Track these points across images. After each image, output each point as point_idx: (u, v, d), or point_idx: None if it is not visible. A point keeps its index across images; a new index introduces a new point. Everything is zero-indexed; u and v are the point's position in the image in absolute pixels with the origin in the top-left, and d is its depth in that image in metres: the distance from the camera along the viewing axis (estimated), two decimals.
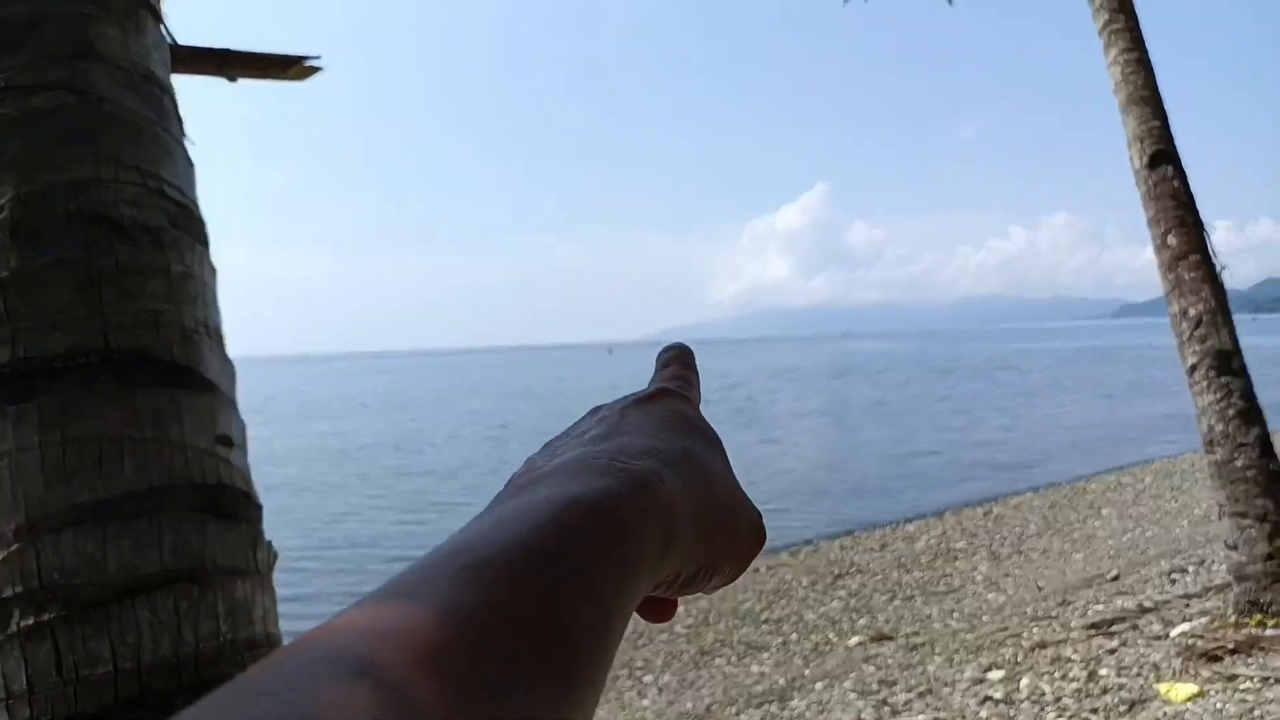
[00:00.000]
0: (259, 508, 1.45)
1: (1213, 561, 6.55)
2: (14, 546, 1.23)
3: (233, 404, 1.49)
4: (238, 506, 1.38)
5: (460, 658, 0.24)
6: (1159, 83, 5.20)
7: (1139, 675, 4.17)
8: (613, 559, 0.32)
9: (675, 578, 0.40)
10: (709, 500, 0.40)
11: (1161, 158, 5.05)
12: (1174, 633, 4.68)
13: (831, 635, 7.34)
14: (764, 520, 0.45)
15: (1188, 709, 3.71)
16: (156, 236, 1.47)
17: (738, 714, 5.19)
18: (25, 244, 1.39)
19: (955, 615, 7.34)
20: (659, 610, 0.44)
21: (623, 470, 0.36)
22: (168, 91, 1.71)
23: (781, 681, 5.90)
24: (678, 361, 0.52)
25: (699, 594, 0.43)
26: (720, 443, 0.45)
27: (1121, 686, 4.07)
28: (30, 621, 1.19)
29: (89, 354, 1.33)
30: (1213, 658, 4.15)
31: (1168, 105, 5.17)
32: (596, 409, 0.46)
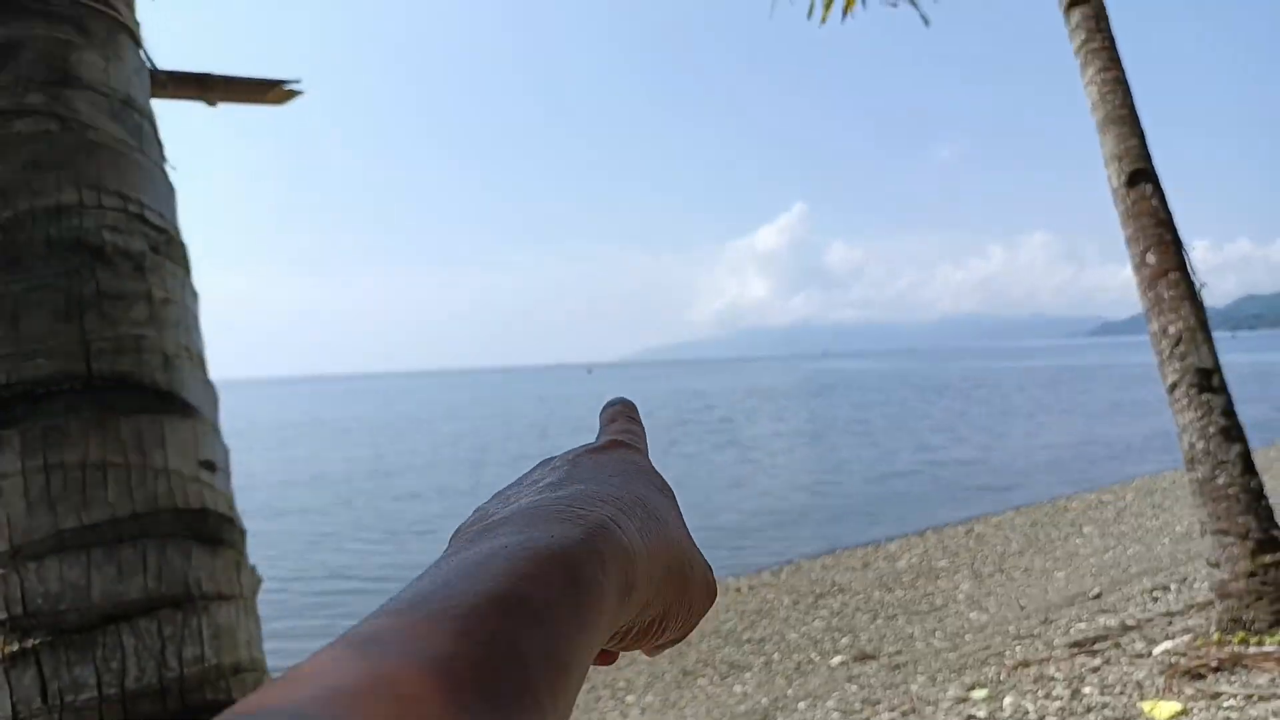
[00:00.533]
0: (242, 532, 1.44)
1: (1195, 579, 6.60)
2: None
3: (215, 428, 1.48)
4: (221, 531, 1.37)
5: (420, 712, 0.24)
6: (1136, 101, 5.29)
7: (1122, 693, 4.19)
8: (571, 608, 0.31)
9: (629, 629, 0.39)
10: (665, 550, 0.39)
11: (1140, 176, 5.13)
12: (1157, 650, 4.70)
13: (814, 655, 7.33)
14: (714, 574, 0.44)
15: None
16: (138, 262, 1.47)
17: None
18: (6, 270, 1.38)
19: (938, 634, 7.35)
20: (600, 660, 0.42)
21: (581, 517, 0.35)
22: (148, 116, 1.71)
23: (764, 701, 5.88)
24: (623, 415, 0.52)
25: (644, 649, 0.42)
26: (673, 494, 0.45)
27: (1105, 705, 4.08)
28: (15, 648, 1.18)
29: (71, 380, 1.33)
30: (1196, 675, 4.18)
31: (1145, 124, 5.26)
32: (548, 459, 0.46)
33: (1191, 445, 4.85)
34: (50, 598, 1.21)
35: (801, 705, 5.35)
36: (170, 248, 1.53)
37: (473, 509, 0.40)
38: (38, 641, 1.18)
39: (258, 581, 1.42)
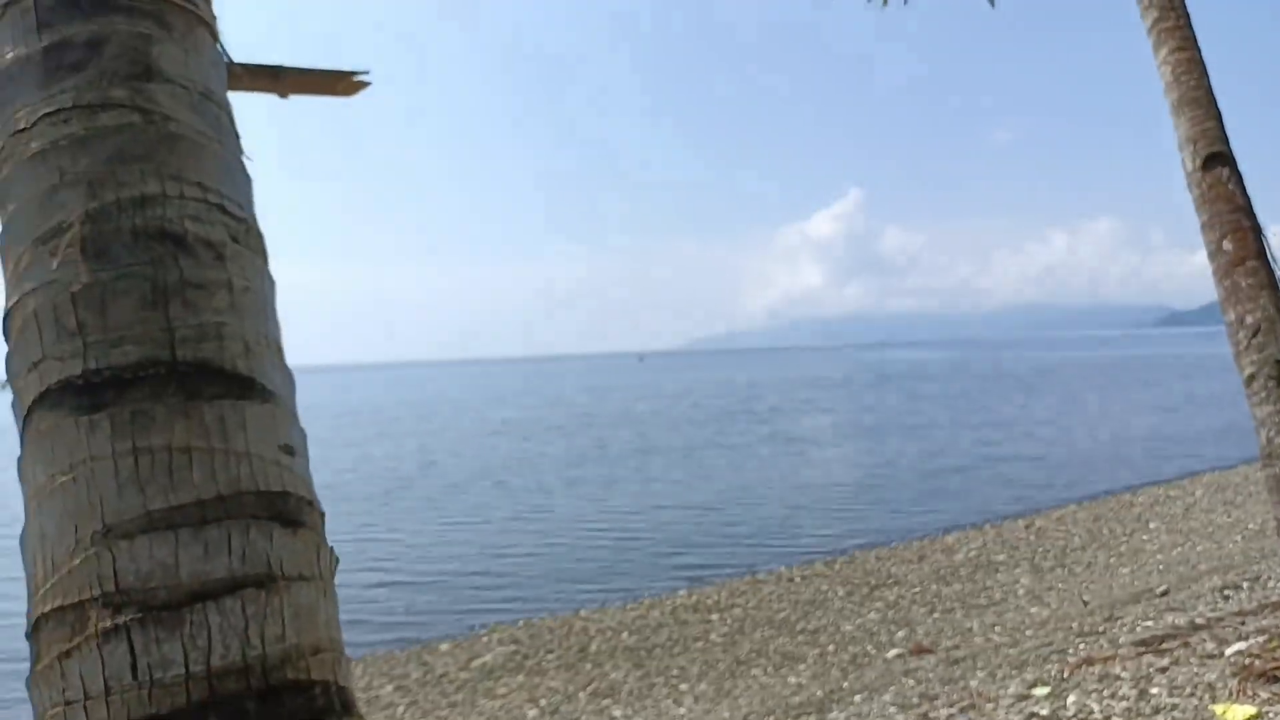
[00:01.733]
0: (321, 514, 1.48)
1: (1269, 578, 6.38)
2: (91, 551, 1.27)
3: (293, 413, 1.52)
4: (301, 513, 1.42)
5: None
6: (1212, 81, 5.10)
7: (1192, 695, 4.07)
8: None
9: None
10: None
11: (1216, 159, 4.95)
12: (1229, 651, 4.56)
13: (869, 647, 7.26)
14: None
15: None
16: (219, 251, 1.51)
17: None
18: (93, 259, 1.43)
19: (997, 629, 7.23)
20: None
21: None
22: (226, 109, 1.75)
23: (819, 693, 5.85)
24: None
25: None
26: None
27: (1174, 706, 3.97)
28: (107, 624, 1.24)
29: (157, 365, 1.37)
30: (1271, 678, 4.04)
31: (1221, 103, 5.07)
32: None
33: (1270, 439, 4.68)
34: (141, 575, 1.27)
35: (857, 698, 5.31)
36: (249, 237, 1.57)
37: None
38: (129, 618, 1.24)
39: (335, 562, 1.47)
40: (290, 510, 1.38)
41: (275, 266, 1.68)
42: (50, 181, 1.48)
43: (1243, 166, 5.03)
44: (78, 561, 1.28)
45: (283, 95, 2.31)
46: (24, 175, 1.51)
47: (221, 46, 1.86)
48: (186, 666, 1.22)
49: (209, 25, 1.78)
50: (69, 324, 1.40)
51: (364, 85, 2.39)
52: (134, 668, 1.22)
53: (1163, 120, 5.24)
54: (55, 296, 1.41)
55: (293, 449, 1.45)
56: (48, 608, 1.30)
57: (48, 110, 1.51)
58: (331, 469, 22.40)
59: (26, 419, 1.40)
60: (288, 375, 1.54)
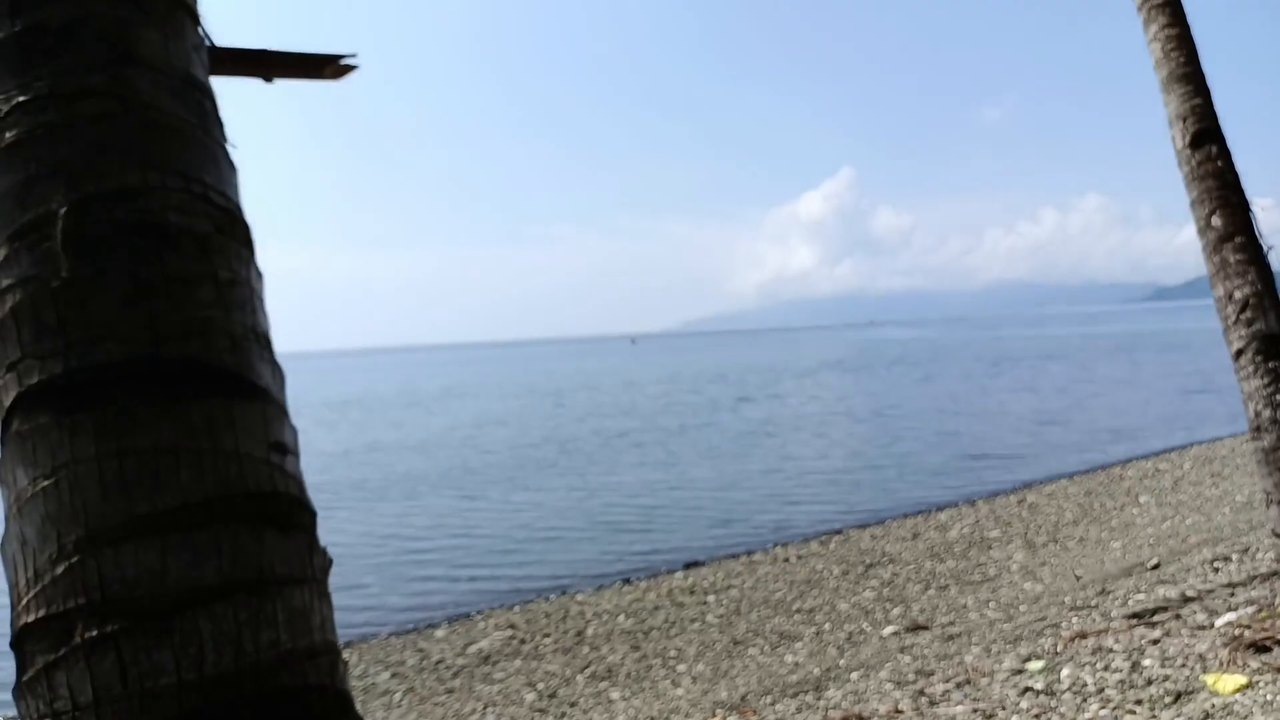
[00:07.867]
0: (313, 514, 1.45)
1: (1257, 549, 6.42)
2: (75, 558, 1.24)
3: (283, 410, 1.48)
4: (293, 514, 1.38)
5: None
6: (1201, 59, 5.08)
7: (1184, 666, 4.09)
8: None
9: None
10: None
11: (1205, 137, 4.93)
12: (1219, 622, 4.59)
13: (865, 625, 7.29)
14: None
15: (1236, 700, 3.63)
16: (203, 243, 1.46)
17: (773, 703, 5.17)
18: (73, 254, 1.38)
19: (991, 605, 7.26)
20: None
21: None
22: (209, 95, 1.70)
23: (816, 671, 5.87)
24: None
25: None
26: None
27: (1166, 677, 3.99)
28: (94, 633, 1.20)
29: (140, 363, 1.33)
30: (1261, 648, 4.06)
31: (1211, 81, 5.05)
32: None
33: (1257, 413, 4.69)
34: (127, 583, 1.23)
35: (854, 675, 5.33)
36: (234, 228, 1.52)
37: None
38: (116, 627, 1.20)
39: (329, 564, 1.43)
40: (281, 511, 1.35)
41: (262, 253, 1.63)
42: (26, 173, 1.43)
43: (1231, 143, 5.02)
44: (61, 569, 1.24)
45: (268, 80, 2.25)
46: None
47: (203, 29, 1.80)
48: (179, 675, 1.19)
49: (189, 7, 1.72)
50: (49, 322, 1.35)
51: (351, 69, 2.33)
52: (124, 677, 1.19)
53: (1153, 97, 5.21)
54: (34, 293, 1.36)
55: (284, 447, 1.41)
56: (32, 617, 1.26)
57: (22, 98, 1.46)
58: (319, 454, 22.36)
59: (6, 421, 1.36)
60: (277, 370, 1.50)
